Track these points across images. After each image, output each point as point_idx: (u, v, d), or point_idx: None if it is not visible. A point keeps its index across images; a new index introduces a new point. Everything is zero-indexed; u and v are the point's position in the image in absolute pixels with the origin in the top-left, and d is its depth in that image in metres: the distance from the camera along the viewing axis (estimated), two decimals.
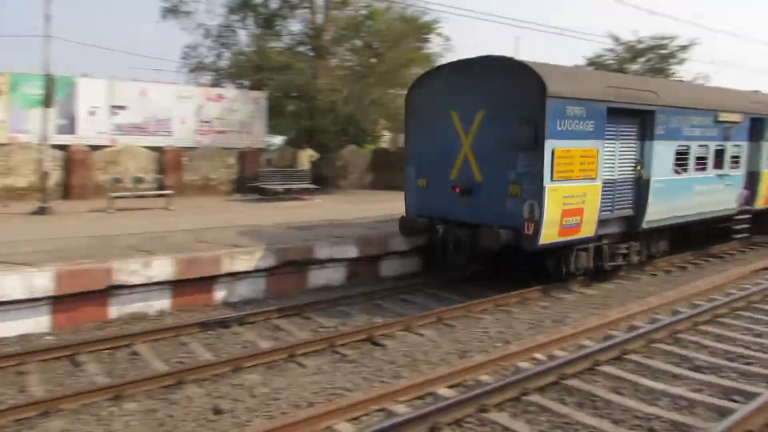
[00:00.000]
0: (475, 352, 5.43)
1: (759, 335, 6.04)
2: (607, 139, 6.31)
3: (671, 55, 20.29)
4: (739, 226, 8.81)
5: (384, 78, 13.83)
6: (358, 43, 14.17)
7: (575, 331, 5.76)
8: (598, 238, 6.69)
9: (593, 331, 5.96)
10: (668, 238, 7.68)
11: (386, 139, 18.71)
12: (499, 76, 5.98)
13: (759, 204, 8.99)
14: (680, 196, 7.40)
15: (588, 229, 6.29)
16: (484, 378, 4.79)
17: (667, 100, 7.02)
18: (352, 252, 7.09)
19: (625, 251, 7.15)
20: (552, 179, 5.74)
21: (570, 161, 5.88)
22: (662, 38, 20.23)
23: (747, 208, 8.77)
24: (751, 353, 5.50)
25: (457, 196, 6.26)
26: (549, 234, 5.93)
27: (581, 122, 5.94)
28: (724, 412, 4.38)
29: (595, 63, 20.89)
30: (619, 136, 6.57)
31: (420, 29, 14.43)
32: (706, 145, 7.72)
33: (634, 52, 20.40)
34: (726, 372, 5.11)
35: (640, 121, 6.69)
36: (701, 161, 7.69)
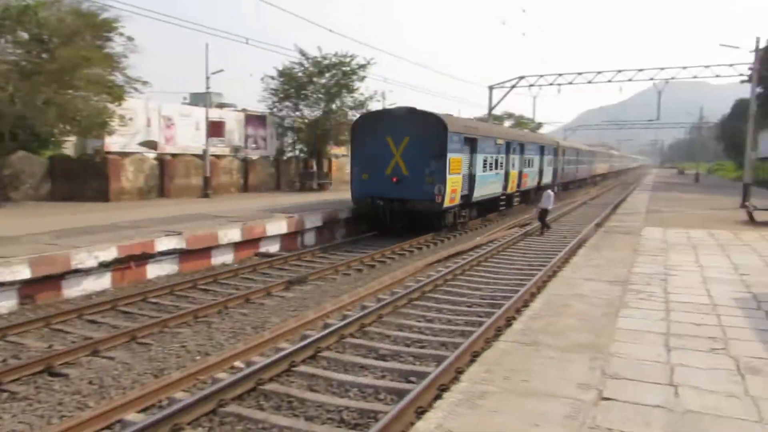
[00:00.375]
0: (172, 369, 5.47)
1: (430, 321, 7.11)
2: (463, 153, 13.71)
3: (353, 72, 22.76)
4: (501, 203, 17.51)
5: (57, 76, 13.67)
6: (25, 35, 13.53)
7: (274, 335, 6.19)
8: (460, 206, 14.12)
9: (291, 333, 6.46)
10: (480, 207, 15.88)
11: (70, 145, 18.27)
12: (420, 119, 12.92)
13: (509, 190, 17.92)
14: (485, 184, 15.36)
15: (457, 200, 13.52)
16: (180, 395, 4.80)
17: (481, 133, 15.04)
18: None
19: (465, 213, 14.56)
20: (448, 174, 12.80)
21: (454, 164, 13.03)
22: (344, 56, 22.76)
23: (505, 192, 17.51)
24: (424, 337, 6.43)
25: (393, 183, 12.92)
26: (447, 202, 12.86)
27: (458, 144, 13.29)
28: (402, 394, 4.96)
29: (286, 74, 22.80)
30: (467, 151, 13.98)
31: (99, 26, 14.60)
32: (494, 157, 16.16)
33: (320, 67, 22.67)
34: (405, 357, 5.90)
35: (472, 143, 14.29)
36: (492, 165, 15.94)
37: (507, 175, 17.68)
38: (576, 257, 8.92)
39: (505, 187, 17.63)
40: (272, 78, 22.90)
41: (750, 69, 28.23)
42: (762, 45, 23.75)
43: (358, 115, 18.09)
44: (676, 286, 6.71)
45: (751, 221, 13.93)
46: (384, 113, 14.18)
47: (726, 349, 4.52)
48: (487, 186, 15.94)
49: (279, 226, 12.00)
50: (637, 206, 18.42)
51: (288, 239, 12.30)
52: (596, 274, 7.31)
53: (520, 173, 18.83)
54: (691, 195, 24.89)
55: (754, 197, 19.34)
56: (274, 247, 11.90)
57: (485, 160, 15.58)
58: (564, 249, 11.91)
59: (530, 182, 20.31)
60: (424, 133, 13.39)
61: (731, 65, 37.33)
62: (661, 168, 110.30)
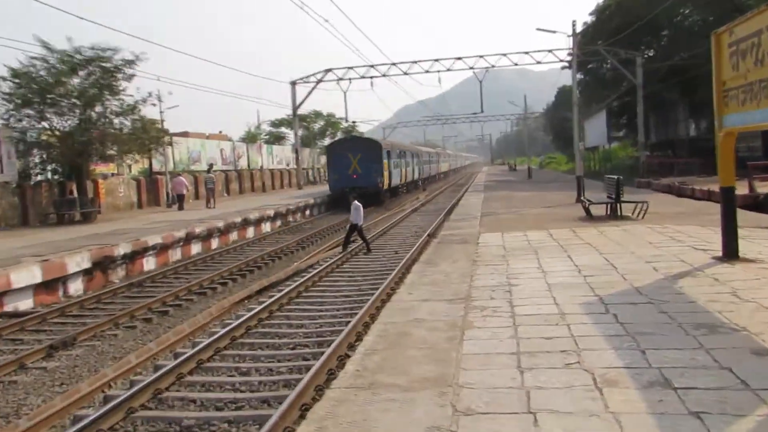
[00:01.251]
0: None
1: (246, 373, 7.23)
2: (388, 159, 36.64)
3: (117, 70, 22.77)
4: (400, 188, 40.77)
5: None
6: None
7: (33, 423, 5.83)
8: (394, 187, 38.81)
9: (57, 416, 6.11)
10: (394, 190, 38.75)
11: None
12: (366, 142, 36.46)
13: (402, 181, 40.90)
14: (394, 176, 38.46)
15: (386, 186, 35.54)
16: None
17: (393, 147, 39.63)
18: None
19: (388, 193, 36.57)
20: (384, 171, 34.86)
21: (386, 165, 35.48)
22: (104, 50, 22.43)
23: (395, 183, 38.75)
24: (241, 395, 6.47)
25: (354, 178, 34.00)
26: (385, 185, 35.16)
27: (389, 154, 37.15)
28: None
29: (23, 75, 21.52)
30: (387, 158, 36.06)
31: None
32: (400, 160, 41.00)
33: (71, 65, 21.96)
34: (216, 425, 5.81)
35: (387, 153, 36.19)
36: (398, 165, 39.59)
37: (399, 171, 39.30)
38: (410, 275, 9.40)
39: (401, 178, 40.00)
40: (3, 79, 21.70)
41: (569, 54, 33.46)
42: (578, 29, 27.33)
43: (128, 123, 24.24)
44: (522, 297, 7.21)
45: (588, 217, 15.89)
46: (346, 139, 38.46)
47: (580, 362, 4.92)
48: (400, 176, 39.65)
49: (30, 275, 11.66)
50: (471, 210, 20.72)
51: (45, 290, 12.20)
52: (434, 293, 7.75)
53: (400, 171, 39.91)
54: (526, 193, 28.50)
55: (588, 190, 21.53)
56: (25, 303, 11.67)
57: (396, 163, 38.60)
58: (396, 267, 13.01)
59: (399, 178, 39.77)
60: (370, 149, 34.49)
61: (550, 51, 44.05)
62: (492, 165, 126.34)
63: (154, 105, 25.55)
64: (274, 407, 6.06)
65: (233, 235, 21.46)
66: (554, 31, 28.13)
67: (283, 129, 62.23)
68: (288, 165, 55.66)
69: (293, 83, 49.21)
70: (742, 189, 17.99)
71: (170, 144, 35.17)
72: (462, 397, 4.38)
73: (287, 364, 7.31)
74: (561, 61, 42.43)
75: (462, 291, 7.71)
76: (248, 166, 46.58)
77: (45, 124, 22.70)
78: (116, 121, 23.38)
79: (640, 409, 4.05)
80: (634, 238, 11.55)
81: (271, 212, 25.03)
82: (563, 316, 6.34)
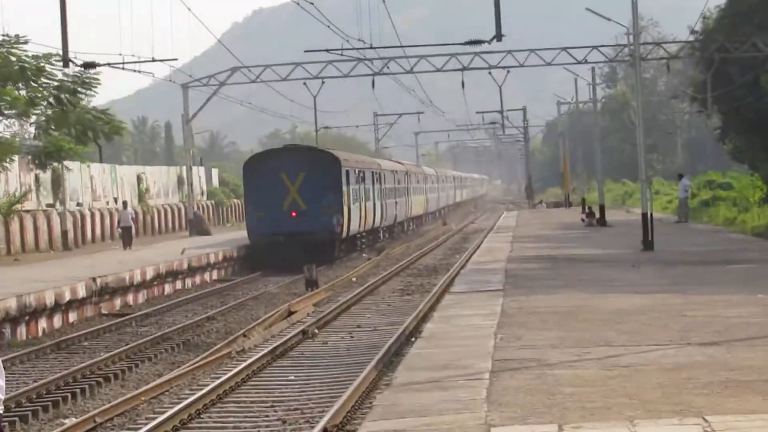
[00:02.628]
0: None
1: None
2: (346, 185, 36.88)
3: None
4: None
5: None
6: None
7: None
8: (352, 236, 40.69)
9: None
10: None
11: None
12: (314, 155, 37.12)
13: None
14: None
15: (348, 229, 37.87)
16: None
17: (355, 164, 40.71)
18: None
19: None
20: (343, 205, 35.53)
21: (346, 196, 36.31)
22: None
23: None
24: None
25: (292, 218, 33.56)
26: (344, 231, 36.37)
27: (350, 177, 37.88)
28: None
29: None
30: (347, 183, 36.86)
31: None
32: (362, 188, 41.10)
33: None
34: None
35: (347, 174, 37.06)
36: (358, 197, 39.12)
37: (359, 209, 39.27)
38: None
39: (361, 220, 40.13)
40: None
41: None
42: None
43: None
44: None
45: None
46: (278, 151, 38.07)
47: None
48: (354, 218, 38.42)
49: None
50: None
51: None
52: None
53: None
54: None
55: None
56: None
57: (355, 193, 38.51)
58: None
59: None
60: (321, 168, 34.77)
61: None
62: (524, 202, 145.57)
63: None
64: None
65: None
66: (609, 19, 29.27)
67: None
68: (168, 195, 56.32)
69: None
70: None
71: None
72: None
73: None
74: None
75: None
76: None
77: None
78: None
79: None
80: None
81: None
82: None
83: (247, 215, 34.76)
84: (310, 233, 32.06)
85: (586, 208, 47.66)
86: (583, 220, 43.16)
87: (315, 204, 33.17)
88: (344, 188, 34.55)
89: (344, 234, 35.49)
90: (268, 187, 33.24)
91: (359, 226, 39.07)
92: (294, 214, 32.92)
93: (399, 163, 61.03)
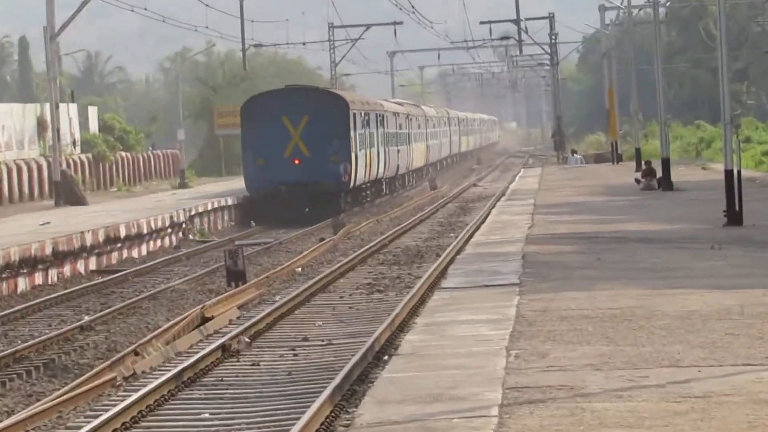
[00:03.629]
0: None
1: None
2: (353, 130, 49.32)
3: None
4: None
5: None
6: None
7: None
8: (359, 187, 55.40)
9: None
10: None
11: None
12: (319, 96, 49.14)
13: None
14: None
15: (355, 179, 50.72)
16: None
17: (362, 105, 53.76)
18: None
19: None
20: (351, 152, 46.95)
21: (354, 142, 48.55)
22: None
23: None
24: None
25: (295, 166, 44.17)
26: (352, 181, 48.14)
27: (357, 121, 49.69)
28: None
29: None
30: (354, 128, 48.62)
31: None
32: (367, 133, 53.53)
33: None
34: None
35: (354, 118, 48.39)
36: (364, 144, 51.84)
37: (364, 156, 49.19)
38: None
39: (366, 169, 50.27)
40: None
41: None
42: None
43: None
44: None
45: None
46: (279, 93, 48.53)
47: None
48: (361, 167, 48.95)
49: None
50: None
51: None
52: None
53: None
54: None
55: None
56: None
57: (361, 139, 48.97)
58: None
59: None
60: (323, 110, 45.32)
61: None
62: (541, 152, 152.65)
63: None
64: None
65: None
66: None
67: None
68: (24, 146, 56.55)
69: None
70: None
71: None
72: None
73: None
74: None
75: None
76: None
77: None
78: None
79: None
80: None
81: None
82: None
83: (245, 164, 41.54)
84: (315, 183, 38.59)
85: (643, 163, 47.83)
86: (638, 181, 43.46)
87: (320, 151, 40.08)
88: (351, 133, 41.63)
89: (351, 184, 42.37)
90: (267, 132, 40.51)
91: (365, 176, 47.34)
92: (297, 161, 40.03)
93: (398, 103, 72.63)
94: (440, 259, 28.15)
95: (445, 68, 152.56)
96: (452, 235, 37.29)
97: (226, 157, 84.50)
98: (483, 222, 34.91)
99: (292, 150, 40.44)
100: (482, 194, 58.54)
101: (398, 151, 60.14)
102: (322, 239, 38.84)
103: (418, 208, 51.30)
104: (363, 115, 47.82)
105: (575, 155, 78.67)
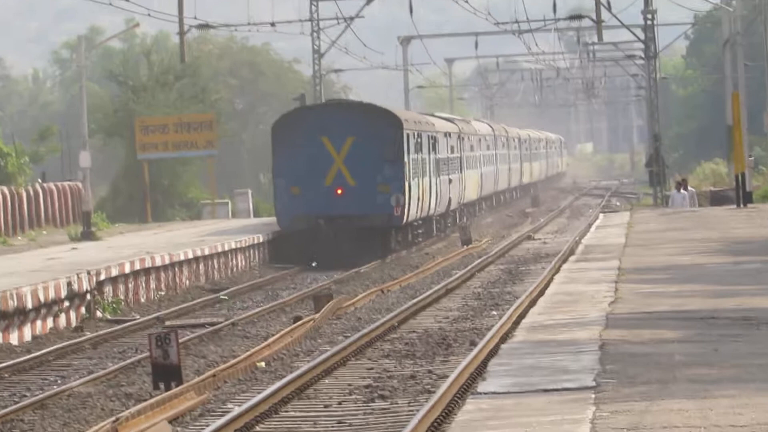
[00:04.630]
0: None
1: None
2: (407, 154, 60.05)
3: None
4: None
5: None
6: None
7: None
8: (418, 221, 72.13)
9: None
10: None
11: None
12: (367, 113, 57.58)
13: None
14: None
15: (409, 213, 63.07)
16: None
17: (421, 125, 68.31)
18: None
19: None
20: (404, 180, 56.47)
21: (408, 169, 57.80)
22: None
23: None
24: None
25: (338, 197, 52.86)
26: (406, 215, 58.34)
27: (413, 143, 60.01)
28: None
29: None
30: (408, 152, 58.25)
31: None
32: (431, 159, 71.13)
33: None
34: None
35: (408, 139, 58.20)
36: (426, 170, 67.44)
37: (427, 186, 61.36)
38: None
39: (426, 202, 62.62)
40: None
41: None
42: None
43: None
44: None
45: None
46: (318, 108, 60.37)
47: None
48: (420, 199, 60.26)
49: None
50: None
51: None
52: None
53: None
54: None
55: None
56: None
57: (423, 164, 61.94)
58: None
59: None
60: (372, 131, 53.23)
61: None
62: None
63: None
64: None
65: None
66: None
67: None
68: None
69: None
70: None
71: None
72: None
73: None
74: None
75: None
76: None
77: None
78: None
79: None
80: None
81: None
82: None
83: (277, 193, 46.89)
84: (362, 217, 43.59)
85: None
86: None
87: (368, 179, 45.33)
88: (405, 158, 46.89)
89: (404, 219, 47.69)
90: (305, 155, 45.42)
91: (417, 211, 53.29)
92: (340, 191, 45.17)
93: (446, 119, 79.99)
94: (476, 350, 28.21)
95: (486, 62, 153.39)
96: (495, 313, 37.55)
97: (155, 193, 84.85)
98: (541, 294, 34.78)
99: (335, 177, 45.37)
100: (540, 252, 59.22)
101: (450, 180, 66.52)
102: (297, 318, 38.84)
103: (443, 273, 51.54)
104: (416, 136, 53.24)
105: (682, 191, 76.89)
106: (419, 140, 54.76)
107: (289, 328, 36.05)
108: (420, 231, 57.17)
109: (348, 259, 48.27)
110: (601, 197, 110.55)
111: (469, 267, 52.43)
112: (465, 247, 65.23)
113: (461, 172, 74.33)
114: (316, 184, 45.77)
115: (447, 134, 68.87)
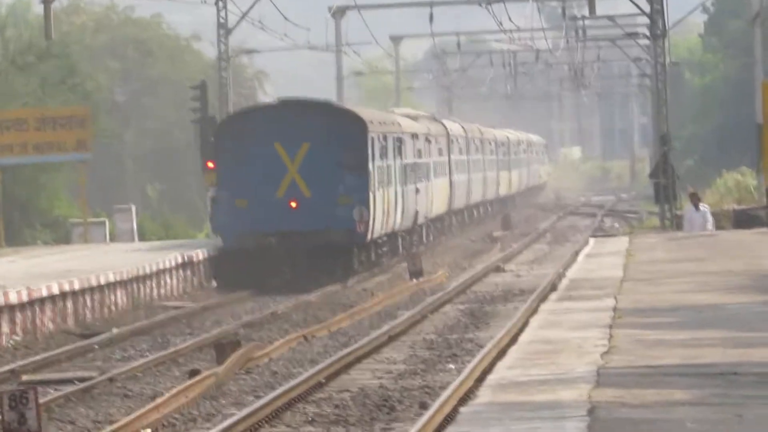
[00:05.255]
0: None
1: None
2: (371, 160, 69.39)
3: None
4: None
5: None
6: None
7: None
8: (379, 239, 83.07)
9: None
10: None
11: None
12: (325, 112, 64.85)
13: None
14: None
15: (373, 229, 77.06)
16: None
17: (384, 126, 79.11)
18: None
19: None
20: (368, 191, 63.87)
21: (372, 179, 66.32)
22: None
23: None
24: None
25: (291, 210, 58.48)
26: (370, 231, 67.58)
27: (376, 148, 68.13)
28: None
29: None
30: (372, 158, 66.16)
31: None
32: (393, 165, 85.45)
33: None
34: None
35: (372, 143, 66.00)
36: (389, 180, 77.24)
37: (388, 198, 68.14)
38: None
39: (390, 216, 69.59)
40: None
41: None
42: None
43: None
44: None
45: None
46: (270, 108, 65.09)
47: None
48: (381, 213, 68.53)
49: None
50: None
51: None
52: None
53: None
54: None
55: None
56: None
57: (385, 172, 68.62)
58: None
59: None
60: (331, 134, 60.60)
61: None
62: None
63: None
64: None
65: None
66: None
67: None
68: None
69: None
70: None
71: None
72: None
73: None
74: None
75: None
76: None
77: None
78: None
79: None
80: None
81: None
82: None
83: (217, 205, 49.37)
84: (319, 232, 46.51)
85: None
86: None
87: (327, 189, 48.55)
88: (370, 166, 50.46)
89: (369, 235, 51.10)
90: (253, 163, 48.47)
91: (382, 226, 57.31)
92: (294, 204, 48.28)
93: (409, 117, 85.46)
94: (428, 415, 28.13)
95: (444, 41, 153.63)
96: (452, 367, 37.64)
97: (10, 210, 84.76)
98: (513, 342, 34.93)
99: (288, 188, 48.35)
100: (512, 288, 59.97)
101: (417, 190, 71.19)
102: (194, 372, 38.60)
103: (386, 314, 52.03)
104: (381, 139, 57.04)
105: (700, 209, 77.11)
106: (384, 143, 58.31)
107: (183, 385, 35.39)
108: (384, 249, 60.46)
109: (303, 283, 51.65)
110: (591, 217, 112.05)
111: (420, 307, 52.74)
112: (414, 280, 65.85)
113: (428, 180, 78.73)
114: (267, 196, 48.48)
115: (414, 135, 72.41)
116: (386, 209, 57.28)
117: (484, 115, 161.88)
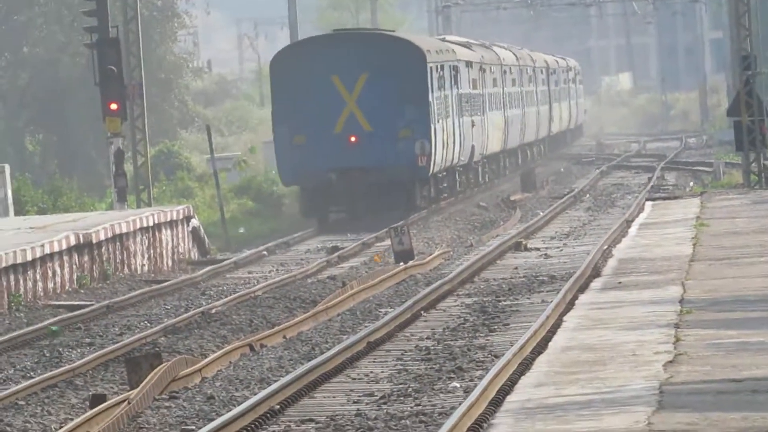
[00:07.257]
0: None
1: None
2: (431, 92, 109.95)
3: None
4: None
5: None
6: None
7: None
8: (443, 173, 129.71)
9: None
10: None
11: None
12: (384, 43, 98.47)
13: None
14: None
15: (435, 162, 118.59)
16: None
17: (446, 55, 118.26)
18: None
19: None
20: (430, 124, 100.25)
21: (434, 112, 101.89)
22: None
23: None
24: None
25: (351, 145, 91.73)
26: (431, 165, 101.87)
27: (442, 79, 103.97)
28: None
29: None
30: (432, 90, 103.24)
31: None
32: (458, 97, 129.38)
33: None
34: None
35: (433, 74, 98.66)
36: (452, 111, 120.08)
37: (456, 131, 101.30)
38: None
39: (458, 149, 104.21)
40: None
41: None
42: None
43: None
44: None
45: None
46: (325, 39, 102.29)
47: None
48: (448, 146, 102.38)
49: None
50: None
51: None
52: None
53: None
54: None
55: None
56: None
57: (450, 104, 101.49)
58: None
59: None
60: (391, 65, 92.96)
61: None
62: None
63: None
64: None
65: None
66: None
67: None
68: None
69: None
70: None
71: None
72: None
73: None
74: None
75: None
76: None
77: None
78: None
79: None
80: None
81: None
82: None
83: (278, 142, 60.60)
84: (381, 169, 56.26)
85: None
86: None
87: (387, 122, 59.71)
88: (429, 97, 60.84)
89: (430, 169, 60.09)
90: (310, 97, 59.98)
91: (442, 160, 69.11)
92: (353, 139, 60.07)
93: (462, 44, 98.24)
94: None
95: None
96: (456, 385, 37.20)
97: None
98: (541, 349, 35.36)
99: (346, 122, 59.93)
100: (538, 272, 60.48)
101: (472, 123, 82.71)
102: (97, 399, 37.73)
103: (363, 313, 52.32)
104: (438, 69, 67.93)
105: None
106: (441, 73, 69.13)
107: (82, 418, 34.46)
108: (444, 185, 70.99)
109: (366, 220, 61.81)
110: (647, 171, 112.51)
111: (411, 301, 52.64)
112: (402, 264, 66.71)
113: (484, 113, 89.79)
114: (325, 131, 60.00)
115: (468, 64, 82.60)
116: (446, 142, 68.16)
117: (494, 33, 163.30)
